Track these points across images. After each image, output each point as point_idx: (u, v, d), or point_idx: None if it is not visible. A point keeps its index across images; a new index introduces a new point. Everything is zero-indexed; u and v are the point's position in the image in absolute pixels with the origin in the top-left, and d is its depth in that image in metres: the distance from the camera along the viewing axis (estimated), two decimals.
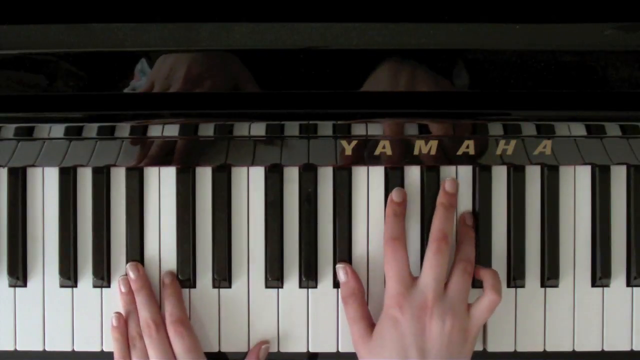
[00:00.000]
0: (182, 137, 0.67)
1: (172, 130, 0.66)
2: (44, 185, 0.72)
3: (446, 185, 0.70)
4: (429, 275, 0.66)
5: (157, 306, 0.71)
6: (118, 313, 0.71)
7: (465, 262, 0.68)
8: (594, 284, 0.72)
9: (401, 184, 0.71)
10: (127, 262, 0.72)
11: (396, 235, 0.69)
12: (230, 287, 0.72)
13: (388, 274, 0.68)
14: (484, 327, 0.72)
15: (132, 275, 0.71)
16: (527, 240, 0.72)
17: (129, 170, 0.72)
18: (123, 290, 0.71)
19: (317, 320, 0.72)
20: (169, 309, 0.70)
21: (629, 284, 0.72)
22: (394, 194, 0.70)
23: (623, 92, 0.62)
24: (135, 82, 0.62)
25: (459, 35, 0.60)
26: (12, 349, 0.72)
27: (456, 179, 0.71)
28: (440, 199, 0.70)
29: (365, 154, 0.69)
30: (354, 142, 0.68)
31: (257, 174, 0.72)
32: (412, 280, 0.67)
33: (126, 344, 0.71)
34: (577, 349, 0.72)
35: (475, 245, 0.71)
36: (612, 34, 0.61)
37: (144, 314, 0.70)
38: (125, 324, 0.71)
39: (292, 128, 0.66)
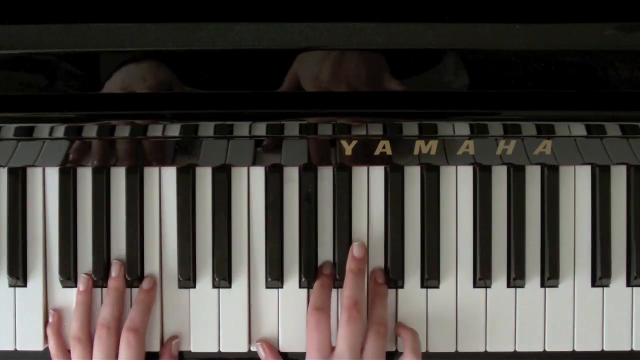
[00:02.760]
0: (182, 137, 0.67)
1: (172, 130, 0.66)
2: (44, 185, 0.72)
3: (354, 251, 0.70)
4: (343, 345, 0.66)
5: (121, 311, 0.71)
6: (55, 310, 0.72)
7: (377, 325, 0.68)
8: (594, 284, 0.72)
9: (401, 184, 0.72)
10: (127, 262, 0.72)
11: (320, 305, 0.68)
12: (230, 287, 0.72)
13: (308, 343, 0.68)
14: (484, 327, 0.72)
15: (113, 273, 0.71)
16: (527, 240, 0.72)
17: (129, 170, 0.72)
18: (81, 288, 0.71)
19: None
20: (132, 315, 0.70)
21: (629, 284, 0.72)
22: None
23: (623, 92, 0.62)
24: (134, 82, 0.62)
25: (458, 36, 0.60)
26: (12, 349, 0.72)
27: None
28: (349, 265, 0.70)
29: (365, 154, 0.69)
30: (354, 142, 0.68)
31: (257, 174, 0.72)
32: (331, 350, 0.67)
33: (62, 343, 0.71)
34: (577, 349, 0.72)
35: (386, 305, 0.70)
36: (612, 34, 0.61)
37: (106, 313, 0.69)
38: (60, 323, 0.71)
39: (292, 128, 0.66)
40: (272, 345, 0.71)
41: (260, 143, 0.68)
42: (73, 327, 0.70)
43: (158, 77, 0.62)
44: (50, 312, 0.72)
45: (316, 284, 0.70)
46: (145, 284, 0.71)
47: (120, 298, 0.71)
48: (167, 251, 0.72)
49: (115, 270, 0.71)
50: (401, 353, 0.71)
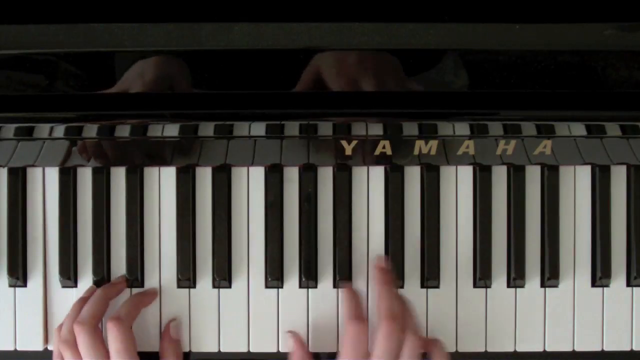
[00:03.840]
0: (182, 137, 0.67)
1: (172, 130, 0.66)
2: (44, 185, 0.72)
3: (379, 263, 0.70)
4: (382, 358, 0.65)
5: (104, 310, 0.69)
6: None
7: (412, 335, 0.66)
8: (594, 284, 0.72)
9: (401, 184, 0.72)
10: (127, 262, 0.72)
11: (359, 314, 0.67)
12: (230, 287, 0.72)
13: (346, 352, 0.66)
14: (484, 327, 0.72)
15: (114, 280, 0.71)
16: (527, 240, 0.72)
17: (129, 170, 0.72)
18: (85, 295, 0.71)
19: (317, 320, 0.72)
20: (120, 308, 0.69)
21: (629, 284, 0.72)
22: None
23: (623, 92, 0.62)
24: (134, 82, 0.62)
25: (459, 36, 0.60)
26: (12, 349, 0.72)
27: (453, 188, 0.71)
28: (379, 277, 0.69)
29: (365, 154, 0.69)
30: (354, 142, 0.68)
31: (257, 174, 0.72)
32: (368, 357, 0.66)
33: (77, 353, 0.69)
34: (577, 349, 0.72)
35: (414, 315, 0.69)
36: (612, 34, 0.61)
37: (84, 310, 0.68)
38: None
39: (292, 128, 0.66)
40: (302, 338, 0.71)
41: (260, 143, 0.68)
42: (62, 330, 0.69)
43: (158, 77, 0.62)
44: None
45: (347, 294, 0.70)
46: (146, 291, 0.72)
47: (106, 300, 0.70)
48: (167, 251, 0.72)
49: (116, 280, 0.71)
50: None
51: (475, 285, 0.72)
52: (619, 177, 0.72)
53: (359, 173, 0.72)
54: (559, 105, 0.64)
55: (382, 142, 0.68)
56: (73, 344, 0.68)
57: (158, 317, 0.72)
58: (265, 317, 0.72)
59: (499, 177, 0.72)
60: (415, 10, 0.61)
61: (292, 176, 0.72)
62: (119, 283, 0.71)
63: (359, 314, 0.68)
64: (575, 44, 0.61)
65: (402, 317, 0.66)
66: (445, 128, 0.66)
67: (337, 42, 0.60)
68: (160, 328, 0.72)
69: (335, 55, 0.61)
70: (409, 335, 0.67)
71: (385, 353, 0.65)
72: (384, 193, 0.72)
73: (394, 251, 0.71)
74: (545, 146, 0.68)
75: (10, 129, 0.65)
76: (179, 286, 0.72)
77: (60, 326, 0.70)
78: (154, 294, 0.72)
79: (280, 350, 0.72)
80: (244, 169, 0.72)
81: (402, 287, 0.72)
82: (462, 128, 0.66)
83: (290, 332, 0.71)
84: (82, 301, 0.70)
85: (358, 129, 0.66)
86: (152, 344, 0.72)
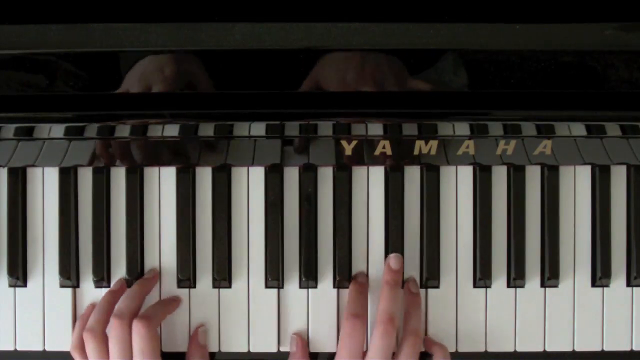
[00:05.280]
0: (182, 137, 0.67)
1: (172, 130, 0.66)
2: (44, 185, 0.72)
3: (391, 263, 0.70)
4: (376, 357, 0.66)
5: (140, 305, 0.69)
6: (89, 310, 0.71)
7: (413, 337, 0.68)
8: (594, 284, 0.72)
9: (401, 184, 0.72)
10: (127, 262, 0.72)
11: (358, 312, 0.68)
12: (230, 287, 0.72)
13: (341, 347, 0.67)
14: (484, 327, 0.72)
15: (147, 275, 0.71)
16: (527, 240, 0.72)
17: (129, 170, 0.72)
18: (114, 288, 0.71)
19: (317, 320, 0.72)
20: (148, 309, 0.69)
21: (629, 284, 0.72)
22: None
23: (623, 92, 0.62)
24: (134, 82, 0.62)
25: (458, 35, 0.60)
26: (12, 349, 0.72)
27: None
28: (385, 276, 0.69)
29: (365, 154, 0.69)
30: (354, 142, 0.68)
31: (257, 174, 0.72)
32: (363, 356, 0.67)
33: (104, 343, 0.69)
34: (577, 349, 0.72)
35: (420, 315, 0.70)
36: (612, 34, 0.61)
37: (122, 304, 0.68)
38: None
39: (292, 128, 0.66)
40: (305, 342, 0.71)
41: (260, 143, 0.68)
42: (90, 319, 0.68)
43: (158, 77, 0.62)
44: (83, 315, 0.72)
45: (352, 290, 0.70)
46: (172, 296, 0.72)
47: (142, 293, 0.70)
48: (167, 251, 0.72)
49: (149, 273, 0.71)
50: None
51: (475, 285, 0.72)
52: (619, 177, 0.72)
53: (359, 173, 0.72)
54: (559, 105, 0.64)
55: (382, 142, 0.68)
56: (101, 337, 0.67)
57: None
58: (265, 317, 0.72)
59: (499, 177, 0.72)
60: (415, 10, 0.61)
61: (292, 176, 0.72)
62: (152, 277, 0.71)
63: (358, 311, 0.68)
64: (575, 44, 0.61)
65: (399, 319, 0.67)
66: (445, 128, 0.66)
67: (336, 42, 0.60)
68: (159, 328, 0.72)
69: (335, 56, 0.61)
70: (409, 335, 0.68)
71: (378, 353, 0.66)
72: (384, 193, 0.72)
73: (393, 251, 0.71)
74: (545, 146, 0.68)
75: (10, 129, 0.65)
76: (179, 286, 0.72)
77: (85, 315, 0.70)
78: (178, 302, 0.72)
79: (281, 349, 0.72)
80: (244, 169, 0.72)
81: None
82: (462, 128, 0.66)
83: (295, 334, 0.71)
84: (113, 294, 0.70)
85: (358, 129, 0.66)
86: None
